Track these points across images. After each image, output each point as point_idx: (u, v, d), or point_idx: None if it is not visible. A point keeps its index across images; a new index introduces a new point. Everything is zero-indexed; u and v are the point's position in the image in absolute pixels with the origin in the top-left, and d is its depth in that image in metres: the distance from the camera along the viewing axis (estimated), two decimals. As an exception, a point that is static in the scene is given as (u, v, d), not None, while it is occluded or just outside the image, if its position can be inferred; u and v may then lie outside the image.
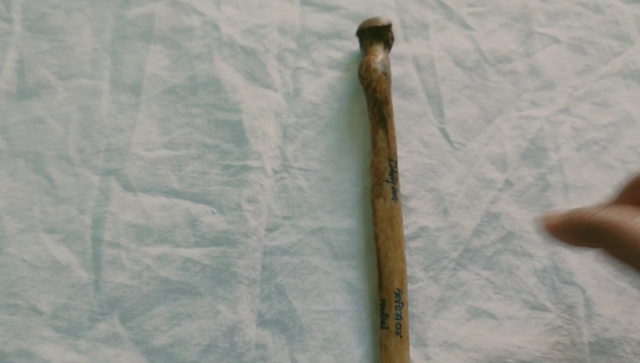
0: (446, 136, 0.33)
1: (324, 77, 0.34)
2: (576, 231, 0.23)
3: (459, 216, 0.31)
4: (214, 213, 0.30)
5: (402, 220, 0.29)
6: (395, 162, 0.31)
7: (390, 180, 0.30)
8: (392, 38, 0.34)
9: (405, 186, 0.32)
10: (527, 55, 0.36)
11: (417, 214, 0.31)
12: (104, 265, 0.28)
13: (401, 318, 0.27)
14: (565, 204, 0.32)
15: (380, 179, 0.30)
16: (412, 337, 0.28)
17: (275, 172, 0.31)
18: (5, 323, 0.27)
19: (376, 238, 0.29)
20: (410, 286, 0.29)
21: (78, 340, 0.27)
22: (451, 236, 0.31)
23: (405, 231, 0.31)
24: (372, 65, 0.31)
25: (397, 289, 0.28)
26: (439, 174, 0.32)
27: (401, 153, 0.33)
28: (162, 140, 0.31)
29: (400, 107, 0.34)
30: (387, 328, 0.27)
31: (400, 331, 0.27)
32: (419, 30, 0.36)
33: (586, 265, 0.30)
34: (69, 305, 0.27)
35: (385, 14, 0.36)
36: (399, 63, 0.35)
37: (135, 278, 0.28)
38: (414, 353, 0.28)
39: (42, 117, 0.31)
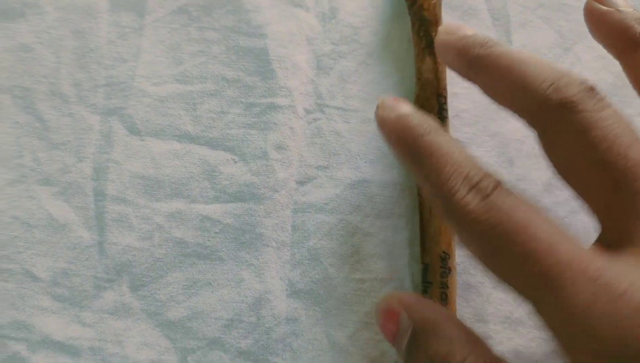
0: (514, 68, 0.28)
1: (367, -6, 0.28)
2: None
3: (528, 168, 0.26)
4: (235, 162, 0.25)
5: None
6: (445, 97, 0.25)
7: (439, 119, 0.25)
8: None
9: (462, 129, 0.26)
10: (618, -35, 0.29)
11: (476, 165, 0.26)
12: (108, 223, 0.24)
13: (447, 287, 0.23)
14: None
15: None
16: (468, 312, 0.24)
17: (308, 112, 0.26)
18: (-3, 292, 0.23)
19: (419, 190, 0.24)
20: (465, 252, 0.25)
21: (82, 310, 0.23)
22: (518, 190, 0.26)
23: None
24: None
25: (444, 252, 0.23)
26: (503, 116, 0.27)
27: (458, 88, 0.27)
28: (172, 72, 0.26)
29: (459, 31, 0.28)
30: (430, 298, 0.23)
31: (446, 302, 0.23)
32: None
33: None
34: (70, 271, 0.23)
35: None
36: (459, -25, 0.28)
37: (145, 240, 0.24)
38: (470, 330, 0.24)
39: (29, 44, 0.26)
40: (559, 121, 0.18)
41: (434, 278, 0.23)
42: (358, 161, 0.26)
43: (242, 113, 0.26)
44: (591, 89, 0.18)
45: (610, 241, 0.18)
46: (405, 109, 0.20)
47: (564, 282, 0.15)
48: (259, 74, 0.26)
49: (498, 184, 0.17)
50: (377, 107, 0.21)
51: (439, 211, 0.19)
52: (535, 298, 0.16)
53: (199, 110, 0.26)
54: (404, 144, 0.19)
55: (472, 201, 0.17)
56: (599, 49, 0.28)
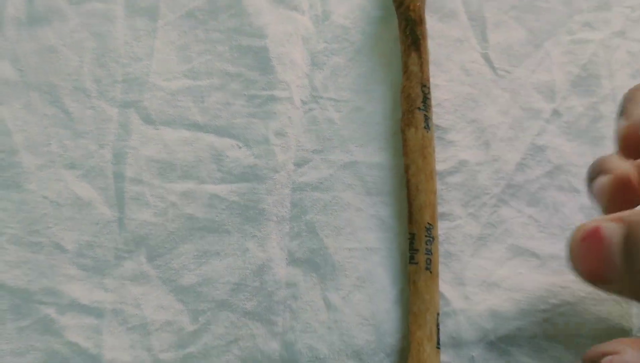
0: (489, 62, 0.31)
1: (356, -2, 0.31)
2: None
3: (502, 149, 0.29)
4: (239, 147, 0.28)
5: (434, 151, 0.27)
6: (429, 88, 0.28)
7: (422, 107, 0.27)
8: None
9: (444, 117, 0.29)
10: (582, -30, 0.32)
11: (456, 148, 0.29)
12: (127, 201, 0.27)
13: (431, 253, 0.26)
14: (618, 136, 0.30)
15: (411, 106, 0.27)
16: (449, 276, 0.27)
17: (304, 103, 0.29)
18: (30, 262, 0.26)
19: (406, 169, 0.27)
20: (448, 224, 0.28)
21: (105, 278, 0.26)
22: (493, 170, 0.29)
23: (444, 166, 0.29)
24: None
25: (428, 223, 0.26)
26: (480, 105, 0.30)
27: (440, 81, 0.30)
28: (182, 69, 0.29)
29: (439, 31, 0.31)
30: (417, 263, 0.26)
31: (430, 266, 0.26)
32: (461, -57, 0.32)
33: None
34: (94, 243, 0.26)
35: None
36: (438, -19, 0.32)
37: (160, 216, 0.27)
38: (451, 292, 0.27)
39: (55, 46, 0.29)
40: None
41: (419, 245, 0.26)
42: (349, 145, 0.29)
43: (245, 104, 0.29)
44: None
45: None
46: None
47: None
48: (260, 70, 0.29)
49: None
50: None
51: None
52: None
53: (207, 102, 0.29)
54: None
55: None
56: (567, 45, 0.31)
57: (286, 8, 0.30)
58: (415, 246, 0.26)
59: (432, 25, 0.31)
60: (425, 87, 0.28)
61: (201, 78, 0.29)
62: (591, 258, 0.17)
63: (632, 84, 0.31)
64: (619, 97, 0.30)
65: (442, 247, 0.27)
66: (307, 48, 0.30)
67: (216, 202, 0.27)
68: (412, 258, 0.26)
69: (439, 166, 0.28)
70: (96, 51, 0.29)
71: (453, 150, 0.29)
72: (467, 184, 0.28)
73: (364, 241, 0.27)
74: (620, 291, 0.18)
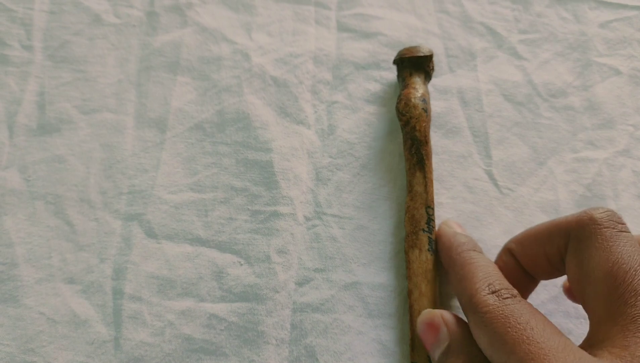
0: (493, 179, 0.31)
1: (361, 113, 0.32)
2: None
3: (506, 272, 0.29)
4: (241, 264, 0.28)
5: (438, 275, 0.27)
6: (433, 209, 0.28)
7: (427, 229, 0.27)
8: (433, 68, 0.31)
9: (447, 236, 0.29)
10: (584, 88, 0.33)
11: (459, 269, 0.29)
12: (124, 320, 0.26)
13: None
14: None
15: (415, 228, 0.27)
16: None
17: (307, 219, 0.29)
18: (21, 386, 0.25)
19: (409, 293, 0.27)
20: (451, 351, 0.27)
21: (96, 402, 0.25)
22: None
23: (448, 288, 0.28)
24: (412, 100, 0.29)
25: None
26: (484, 224, 0.30)
27: (444, 198, 0.30)
28: (187, 182, 0.29)
29: (443, 147, 0.31)
30: None
31: None
32: (465, 60, 0.33)
33: None
34: (88, 364, 0.26)
35: (428, 41, 0.34)
36: (443, 97, 0.32)
37: (157, 336, 0.26)
38: None
39: (63, 156, 0.29)
40: None
41: (419, 376, 0.25)
42: (352, 265, 0.28)
43: (249, 219, 0.29)
44: None
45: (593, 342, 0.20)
46: (459, 229, 0.27)
47: None
48: (264, 185, 0.29)
49: (513, 294, 0.21)
50: (442, 222, 0.28)
51: (463, 304, 0.23)
52: None
53: (210, 216, 0.29)
54: (452, 253, 0.25)
55: (491, 300, 0.21)
56: (570, 163, 0.31)
57: (292, 122, 0.31)
58: (416, 378, 0.25)
59: (437, 141, 0.31)
60: (429, 208, 0.28)
61: (206, 191, 0.29)
62: (428, 339, 0.24)
63: (639, 205, 0.31)
64: (625, 218, 0.30)
65: (445, 376, 0.26)
66: (312, 162, 0.30)
67: (215, 322, 0.27)
68: (412, 390, 0.25)
69: (443, 289, 0.28)
70: (104, 162, 0.29)
71: (457, 271, 0.28)
72: (471, 308, 0.28)
73: (364, 367, 0.26)
74: None
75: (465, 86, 0.33)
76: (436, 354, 0.23)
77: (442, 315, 0.24)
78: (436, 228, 0.28)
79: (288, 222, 0.29)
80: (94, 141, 0.30)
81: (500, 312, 0.20)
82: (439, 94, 0.32)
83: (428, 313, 0.24)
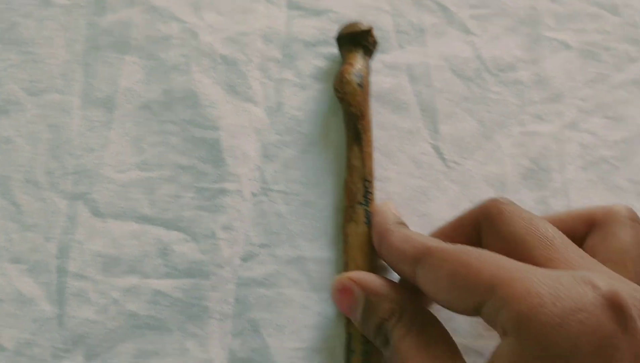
0: (440, 154, 0.31)
1: (309, 90, 0.32)
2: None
3: (451, 245, 0.29)
4: (187, 241, 0.28)
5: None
6: (371, 182, 0.28)
7: (363, 202, 0.28)
8: (375, 43, 0.31)
9: (393, 210, 0.29)
10: (534, 63, 0.33)
11: (404, 242, 0.29)
12: (68, 298, 0.27)
13: (368, 355, 0.25)
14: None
15: (352, 201, 0.28)
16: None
17: (254, 195, 0.29)
18: (-36, 362, 0.25)
19: (346, 266, 0.27)
20: (394, 322, 0.27)
21: (40, 378, 0.26)
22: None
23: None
24: (347, 76, 0.29)
25: None
26: (430, 198, 0.30)
27: (391, 173, 0.30)
28: (134, 160, 0.29)
29: (391, 122, 0.31)
30: None
31: None
32: (415, 36, 0.33)
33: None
34: (32, 341, 0.26)
35: (379, 18, 0.34)
36: (392, 73, 0.32)
37: (101, 313, 0.27)
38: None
39: (10, 137, 0.29)
40: None
41: (356, 346, 0.25)
42: (297, 240, 0.29)
43: (195, 197, 0.29)
44: None
45: None
46: (390, 206, 0.27)
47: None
48: (212, 162, 0.29)
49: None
50: (379, 204, 0.28)
51: (408, 260, 0.23)
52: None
53: (157, 194, 0.29)
54: (380, 228, 0.26)
55: (446, 245, 0.23)
56: (518, 137, 0.32)
57: (241, 100, 0.31)
58: (352, 347, 0.25)
59: (385, 116, 0.31)
60: (367, 181, 0.28)
61: (153, 170, 0.29)
62: (344, 304, 0.25)
63: (584, 177, 0.31)
64: (570, 190, 0.31)
65: (388, 346, 0.27)
66: (260, 139, 0.30)
67: (159, 298, 0.27)
68: (348, 359, 0.25)
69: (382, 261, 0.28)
70: (51, 142, 0.30)
71: (402, 244, 0.29)
72: (415, 280, 0.28)
73: (307, 340, 0.27)
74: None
75: (415, 62, 0.33)
76: (357, 316, 0.24)
77: (349, 276, 0.24)
78: (374, 201, 0.28)
79: (234, 199, 0.29)
80: (41, 122, 0.30)
81: (458, 248, 0.22)
82: (388, 70, 0.32)
83: (335, 281, 0.25)
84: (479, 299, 0.20)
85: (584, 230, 0.25)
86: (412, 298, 0.24)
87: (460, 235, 0.25)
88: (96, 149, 0.30)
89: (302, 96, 0.31)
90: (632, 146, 0.32)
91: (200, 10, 0.33)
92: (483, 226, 0.24)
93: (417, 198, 0.30)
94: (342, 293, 0.25)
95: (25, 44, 0.32)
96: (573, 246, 0.22)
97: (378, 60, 0.32)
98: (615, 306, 0.17)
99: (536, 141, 0.31)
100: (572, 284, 0.18)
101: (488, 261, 0.20)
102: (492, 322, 0.20)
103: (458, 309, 0.21)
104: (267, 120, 0.31)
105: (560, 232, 0.22)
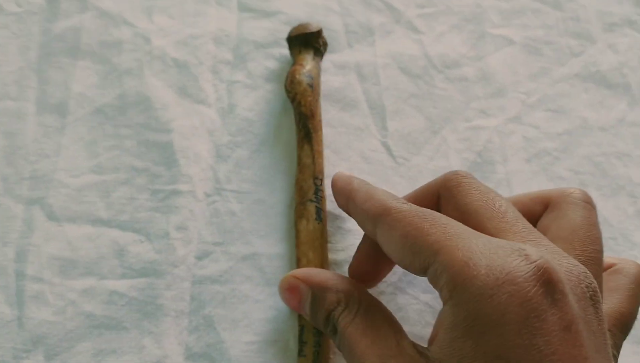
0: (389, 150, 0.32)
1: (260, 91, 0.32)
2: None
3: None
4: (142, 242, 0.29)
5: (326, 242, 0.28)
6: (321, 180, 0.29)
7: (314, 199, 0.29)
8: (325, 44, 0.32)
9: (343, 206, 0.31)
10: (478, 59, 0.34)
11: (355, 237, 0.30)
12: (27, 300, 0.27)
13: (320, 346, 0.26)
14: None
15: (303, 198, 0.29)
16: (343, 367, 0.28)
17: (207, 195, 0.30)
18: None
19: (297, 261, 0.28)
20: (344, 313, 0.29)
21: (0, 379, 0.26)
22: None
23: (343, 255, 0.30)
24: (297, 77, 0.30)
25: None
26: (380, 192, 0.31)
27: (340, 169, 0.31)
28: (89, 164, 0.30)
29: (340, 120, 0.32)
30: (305, 356, 0.26)
31: (318, 361, 0.26)
32: (364, 36, 0.34)
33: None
34: (-8, 343, 0.27)
35: (328, 18, 0.34)
36: (341, 72, 0.33)
37: (59, 314, 0.27)
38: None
39: (-35, 145, 0.30)
40: None
41: (308, 337, 0.27)
42: (250, 237, 0.30)
43: (149, 198, 0.30)
44: None
45: None
46: (347, 174, 0.28)
47: None
48: (165, 164, 0.30)
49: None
50: (337, 173, 0.28)
51: (371, 217, 0.24)
52: None
53: (112, 197, 0.30)
54: (354, 184, 0.26)
55: (405, 206, 0.23)
56: (463, 132, 0.33)
57: (193, 102, 0.32)
58: (304, 339, 0.27)
59: (334, 114, 0.32)
60: (317, 179, 0.29)
61: (107, 173, 0.30)
62: (293, 302, 0.26)
63: (527, 168, 0.32)
64: (513, 181, 0.32)
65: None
66: (213, 140, 0.31)
67: (116, 298, 0.28)
68: (300, 350, 0.27)
69: (337, 256, 0.29)
70: (5, 149, 0.30)
71: (352, 239, 0.30)
72: (365, 272, 0.29)
73: (261, 333, 0.28)
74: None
75: (363, 60, 0.34)
76: (306, 310, 0.25)
77: (294, 275, 0.25)
78: (325, 198, 0.29)
79: (187, 199, 0.30)
80: (-4, 129, 0.30)
81: (413, 210, 0.22)
82: (337, 70, 0.33)
83: (282, 280, 0.26)
84: (425, 262, 0.21)
85: (540, 211, 0.26)
86: (356, 287, 0.25)
87: (422, 205, 0.25)
88: (50, 155, 0.30)
89: (254, 97, 0.32)
90: (574, 137, 0.33)
91: (152, 15, 0.33)
92: (442, 197, 0.25)
93: (366, 193, 0.31)
94: (290, 292, 0.26)
95: (-22, 52, 0.32)
96: (524, 221, 0.22)
97: (327, 59, 0.33)
98: (545, 279, 0.18)
99: (481, 135, 0.33)
100: (508, 255, 0.19)
101: (437, 224, 0.21)
102: (435, 285, 0.21)
103: (409, 269, 0.22)
104: (219, 121, 0.32)
105: (513, 207, 0.23)
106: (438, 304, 0.29)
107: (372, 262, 0.27)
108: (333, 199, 0.30)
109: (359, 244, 0.28)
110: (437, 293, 0.29)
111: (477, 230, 0.21)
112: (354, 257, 0.28)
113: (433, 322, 0.29)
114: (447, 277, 0.19)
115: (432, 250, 0.20)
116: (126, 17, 0.33)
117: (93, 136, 0.31)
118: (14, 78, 0.32)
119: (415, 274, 0.22)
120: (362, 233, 0.30)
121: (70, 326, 0.27)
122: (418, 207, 0.23)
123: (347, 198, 0.26)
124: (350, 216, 0.27)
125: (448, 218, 0.22)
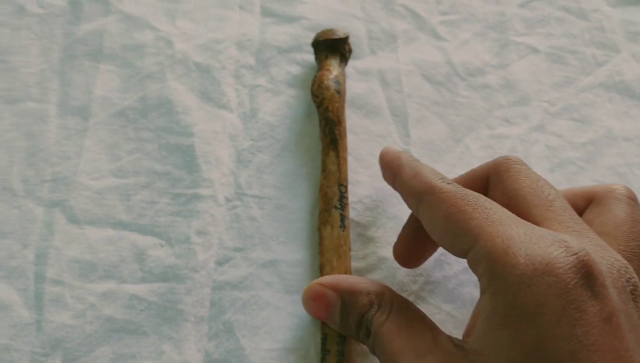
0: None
1: (283, 96, 0.32)
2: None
3: (421, 246, 0.30)
4: (162, 246, 0.29)
5: (349, 250, 0.28)
6: (346, 187, 0.29)
7: (339, 206, 0.28)
8: (350, 50, 0.32)
9: (364, 213, 0.30)
10: (502, 67, 0.34)
11: (376, 245, 0.30)
12: (46, 303, 0.27)
13: (343, 355, 0.26)
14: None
15: (328, 205, 0.28)
16: (364, 377, 0.27)
17: (228, 200, 0.30)
18: (-58, 369, 0.26)
19: (321, 268, 0.28)
20: (365, 322, 0.28)
21: (18, 383, 0.26)
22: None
23: (363, 263, 0.29)
24: (325, 82, 0.30)
25: None
26: (401, 201, 0.30)
27: (362, 176, 0.31)
28: (110, 167, 0.30)
29: (363, 127, 0.32)
30: None
31: None
32: (387, 42, 0.34)
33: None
34: (10, 346, 0.26)
35: (351, 24, 0.34)
36: (364, 79, 0.33)
37: (78, 318, 0.27)
38: (366, 394, 0.27)
39: (-14, 146, 0.30)
40: None
41: (331, 346, 0.26)
42: (270, 243, 0.29)
43: (170, 202, 0.29)
44: None
45: None
46: (396, 149, 0.28)
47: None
48: (186, 168, 0.30)
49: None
50: (385, 147, 0.28)
51: (416, 195, 0.24)
52: None
53: (132, 200, 0.29)
54: (402, 159, 0.26)
55: (450, 186, 0.23)
56: (486, 140, 0.32)
57: (215, 106, 0.32)
58: (327, 347, 0.26)
59: (357, 121, 0.32)
60: (342, 186, 0.29)
61: (128, 177, 0.30)
62: (319, 310, 0.25)
63: (551, 177, 0.32)
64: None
65: (360, 346, 0.28)
66: (234, 145, 0.31)
67: (135, 303, 0.27)
68: (323, 359, 0.26)
69: (359, 264, 0.29)
70: (27, 151, 0.30)
71: (373, 247, 0.30)
72: (387, 281, 0.29)
73: (281, 341, 0.28)
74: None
75: (386, 67, 0.33)
76: (335, 317, 0.25)
77: (320, 282, 0.25)
78: (349, 205, 0.29)
79: (208, 204, 0.29)
80: (17, 131, 0.30)
81: (457, 191, 0.22)
82: (360, 76, 0.33)
83: (307, 290, 0.26)
84: (466, 246, 0.21)
85: (584, 206, 0.26)
86: (386, 288, 0.24)
87: (471, 188, 0.25)
88: (72, 157, 0.30)
89: (276, 102, 0.32)
90: (598, 147, 0.33)
91: (175, 19, 0.33)
92: (491, 181, 0.25)
93: (388, 200, 0.31)
94: (315, 300, 0.25)
95: (1, 53, 0.32)
96: (571, 211, 0.22)
97: (350, 66, 0.33)
98: (586, 271, 0.18)
99: (504, 143, 0.32)
100: (549, 245, 0.19)
101: (480, 209, 0.21)
102: (474, 271, 0.21)
103: (450, 249, 0.22)
104: (241, 126, 0.31)
105: (562, 198, 0.23)
106: (460, 314, 0.29)
107: (416, 242, 0.27)
108: (356, 207, 0.30)
109: (405, 222, 0.28)
110: (459, 302, 0.29)
111: (523, 217, 0.21)
112: (399, 236, 0.28)
113: (455, 331, 0.29)
114: (486, 264, 0.19)
115: (473, 234, 0.20)
116: (149, 21, 0.33)
117: (114, 139, 0.31)
118: (36, 80, 0.32)
119: (455, 255, 0.22)
120: (385, 241, 0.30)
121: (89, 330, 0.27)
122: (463, 188, 0.22)
123: (394, 173, 0.26)
124: (396, 191, 0.27)
125: (492, 202, 0.22)
